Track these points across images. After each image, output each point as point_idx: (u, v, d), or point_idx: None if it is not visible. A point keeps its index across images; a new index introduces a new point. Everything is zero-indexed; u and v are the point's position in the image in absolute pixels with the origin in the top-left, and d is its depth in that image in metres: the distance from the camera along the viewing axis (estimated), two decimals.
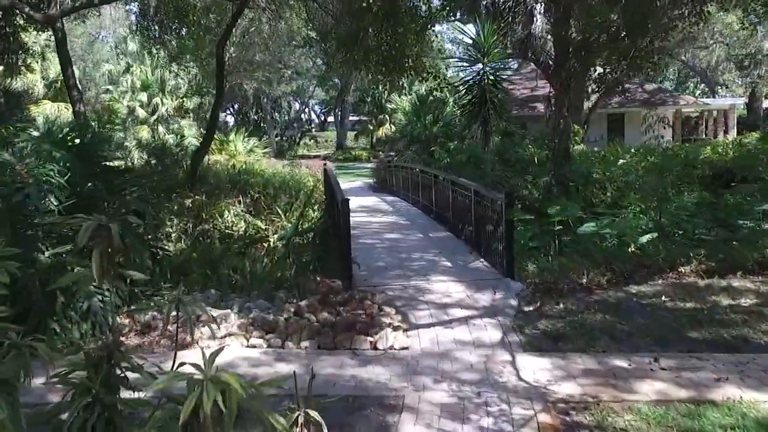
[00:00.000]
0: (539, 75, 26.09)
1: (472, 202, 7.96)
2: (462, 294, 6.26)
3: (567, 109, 14.61)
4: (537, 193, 15.22)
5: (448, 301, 6.07)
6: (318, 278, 7.50)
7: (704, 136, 34.33)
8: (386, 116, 42.97)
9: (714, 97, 41.47)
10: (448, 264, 7.42)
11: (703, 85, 46.66)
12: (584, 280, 7.03)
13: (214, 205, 14.41)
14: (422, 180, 11.87)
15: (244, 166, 16.81)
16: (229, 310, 5.70)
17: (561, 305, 6.19)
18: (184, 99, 23.67)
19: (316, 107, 57.24)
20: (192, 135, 25.51)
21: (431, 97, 17.57)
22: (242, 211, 14.39)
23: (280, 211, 14.32)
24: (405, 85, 12.81)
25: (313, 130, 54.93)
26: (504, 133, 19.66)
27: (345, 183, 21.73)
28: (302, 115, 49.22)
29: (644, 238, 9.34)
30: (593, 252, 9.10)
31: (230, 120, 50.29)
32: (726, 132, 33.57)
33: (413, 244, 8.77)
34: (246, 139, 18.93)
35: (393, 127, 43.75)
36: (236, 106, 47.63)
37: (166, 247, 8.34)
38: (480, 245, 7.78)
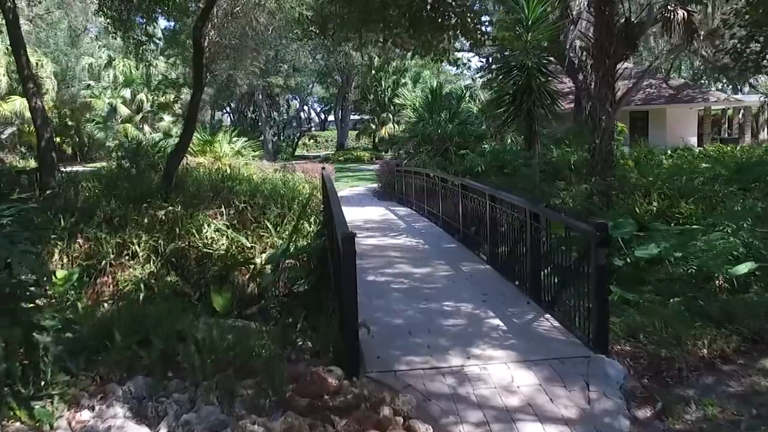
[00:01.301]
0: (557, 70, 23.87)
1: (528, 228, 5.61)
2: (534, 387, 3.93)
3: (611, 104, 12.32)
4: (573, 204, 12.96)
5: (515, 405, 3.74)
6: (306, 340, 5.23)
7: (727, 135, 32.01)
8: (389, 115, 40.80)
9: (737, 93, 39.09)
10: (500, 323, 5.07)
11: (720, 83, 44.19)
12: (703, 350, 4.74)
13: (191, 218, 12.12)
14: (444, 190, 9.54)
15: (229, 171, 14.50)
16: None
17: (693, 406, 3.88)
18: (157, 92, 21.39)
19: (316, 105, 55.06)
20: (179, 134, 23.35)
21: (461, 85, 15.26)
22: (225, 224, 12.08)
23: (269, 226, 12.00)
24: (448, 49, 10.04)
25: (313, 129, 52.77)
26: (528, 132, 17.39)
27: (346, 188, 19.43)
28: (301, 114, 46.89)
29: (741, 269, 7.06)
30: (674, 290, 6.87)
31: (227, 119, 48.34)
32: (756, 132, 31.23)
33: (442, 285, 6.37)
34: (234, 138, 16.62)
35: (398, 126, 41.36)
36: (233, 105, 45.61)
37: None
38: (541, 291, 5.44)
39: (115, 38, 12.99)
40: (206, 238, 11.68)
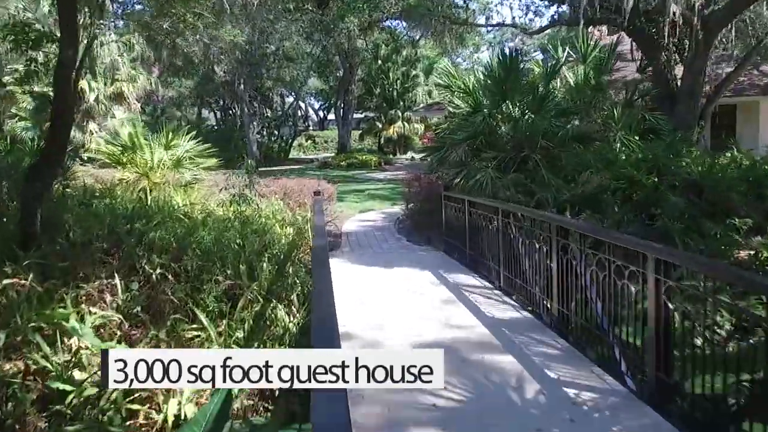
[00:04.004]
0: (635, 48, 17.87)
1: None
2: None
3: None
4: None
5: None
6: None
7: None
8: (398, 112, 35.13)
9: None
10: None
11: None
12: None
13: (48, 303, 5.93)
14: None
15: (149, 197, 8.28)
16: None
17: None
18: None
19: (314, 101, 48.97)
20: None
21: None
22: (116, 314, 5.86)
23: (204, 321, 5.76)
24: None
25: (310, 128, 46.76)
26: (642, 130, 11.17)
27: (354, 216, 13.08)
28: (297, 111, 40.56)
29: None
30: None
31: (213, 118, 42.73)
32: None
33: None
34: (171, 141, 10.34)
35: (407, 124, 35.25)
36: (221, 101, 39.78)
37: None
38: None
39: None
40: (66, 353, 5.52)
